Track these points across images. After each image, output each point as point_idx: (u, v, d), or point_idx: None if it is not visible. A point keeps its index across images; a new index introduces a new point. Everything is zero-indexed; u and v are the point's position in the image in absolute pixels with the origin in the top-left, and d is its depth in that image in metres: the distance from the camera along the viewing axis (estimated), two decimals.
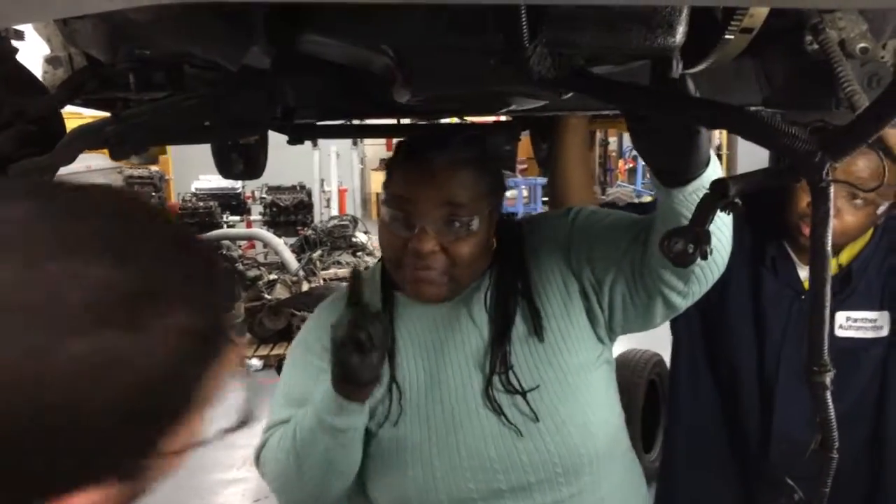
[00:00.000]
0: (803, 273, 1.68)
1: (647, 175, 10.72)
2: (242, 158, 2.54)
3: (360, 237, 7.95)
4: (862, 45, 0.97)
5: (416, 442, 1.30)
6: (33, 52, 1.65)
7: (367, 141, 12.36)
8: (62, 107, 1.38)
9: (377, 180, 12.75)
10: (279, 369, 3.45)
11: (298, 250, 7.55)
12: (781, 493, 1.05)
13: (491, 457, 1.28)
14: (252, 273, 6.71)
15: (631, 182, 13.75)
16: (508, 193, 12.35)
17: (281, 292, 6.04)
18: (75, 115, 2.29)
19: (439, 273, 1.27)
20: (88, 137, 1.12)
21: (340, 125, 2.23)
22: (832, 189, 0.83)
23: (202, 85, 1.39)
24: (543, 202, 11.68)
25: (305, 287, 6.26)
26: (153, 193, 8.89)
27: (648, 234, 1.23)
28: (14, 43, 1.45)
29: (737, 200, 0.86)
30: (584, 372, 1.32)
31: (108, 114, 1.45)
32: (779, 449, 1.68)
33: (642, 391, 3.71)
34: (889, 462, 1.70)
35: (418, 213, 1.25)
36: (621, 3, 0.86)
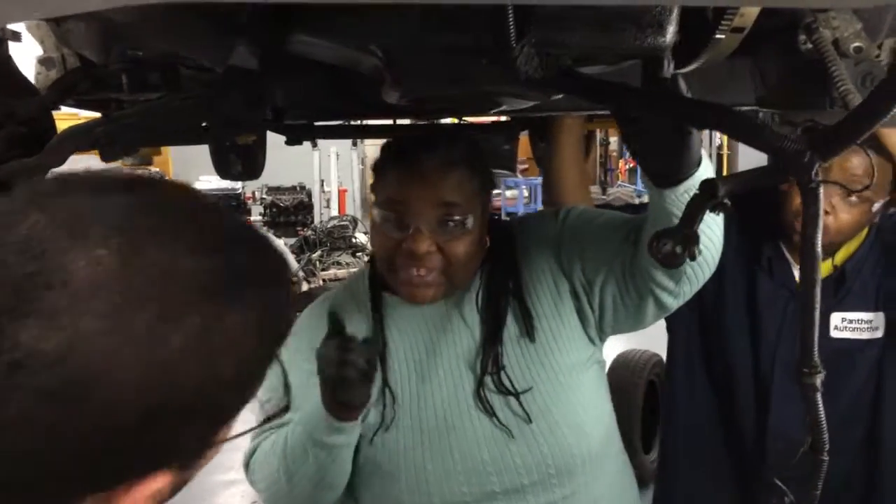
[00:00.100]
0: (799, 273, 1.67)
1: None
2: (241, 159, 2.52)
3: (360, 238, 7.95)
4: (856, 44, 0.97)
5: (408, 446, 1.30)
6: (27, 53, 1.64)
7: (367, 141, 12.32)
8: (53, 108, 1.37)
9: None
10: None
11: (298, 251, 7.55)
12: (773, 494, 1.05)
13: (484, 459, 1.28)
14: None
15: (632, 182, 13.73)
16: (509, 193, 12.40)
17: None
18: (72, 117, 2.28)
19: (435, 274, 1.27)
20: (78, 138, 1.11)
21: (339, 125, 2.22)
22: (822, 189, 0.83)
23: (198, 86, 1.39)
24: (545, 202, 11.64)
25: (305, 288, 6.25)
26: None
27: (639, 234, 1.23)
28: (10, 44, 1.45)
29: (726, 201, 0.85)
30: (575, 372, 1.31)
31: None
32: (775, 448, 1.68)
33: (642, 391, 3.71)
34: (885, 463, 1.69)
35: (412, 213, 1.25)
36: (610, 2, 0.85)
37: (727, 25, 0.97)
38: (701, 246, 1.16)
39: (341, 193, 11.21)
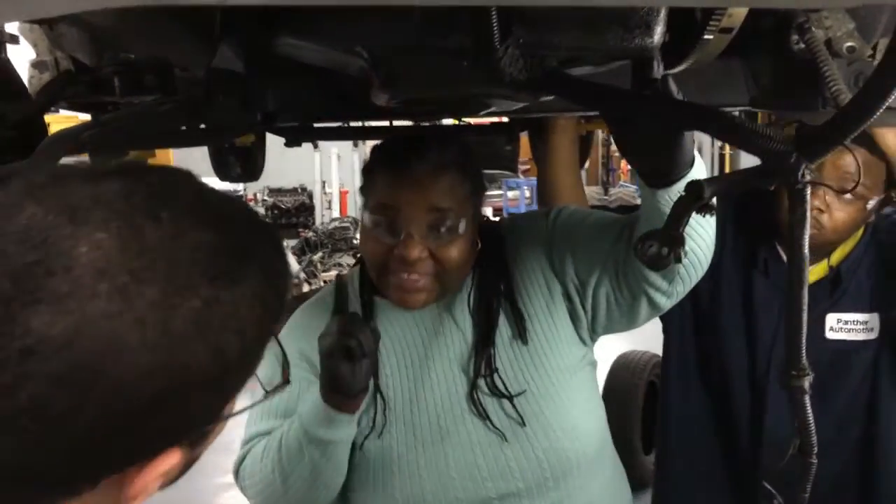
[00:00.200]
0: None
1: None
2: (240, 161, 2.53)
3: None
4: (849, 44, 0.96)
5: (402, 452, 1.29)
6: (20, 56, 1.64)
7: (369, 143, 12.34)
8: (43, 112, 1.37)
9: None
10: None
11: (299, 252, 7.56)
12: (763, 497, 1.04)
13: (479, 465, 1.27)
14: None
15: (634, 182, 13.70)
16: (510, 194, 12.40)
17: None
18: (72, 120, 2.29)
19: (427, 279, 1.26)
20: (66, 142, 1.11)
21: (339, 126, 2.21)
22: (809, 191, 0.82)
23: (192, 89, 1.38)
24: (539, 203, 11.64)
25: (306, 289, 6.26)
26: None
27: (632, 233, 1.22)
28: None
29: (712, 202, 0.85)
30: (568, 374, 1.31)
31: None
32: (770, 450, 1.67)
33: (642, 392, 3.70)
34: (881, 463, 1.69)
35: (403, 219, 1.23)
36: (597, 3, 0.85)
37: (715, 26, 0.96)
38: (692, 245, 1.16)
39: (343, 195, 11.23)
